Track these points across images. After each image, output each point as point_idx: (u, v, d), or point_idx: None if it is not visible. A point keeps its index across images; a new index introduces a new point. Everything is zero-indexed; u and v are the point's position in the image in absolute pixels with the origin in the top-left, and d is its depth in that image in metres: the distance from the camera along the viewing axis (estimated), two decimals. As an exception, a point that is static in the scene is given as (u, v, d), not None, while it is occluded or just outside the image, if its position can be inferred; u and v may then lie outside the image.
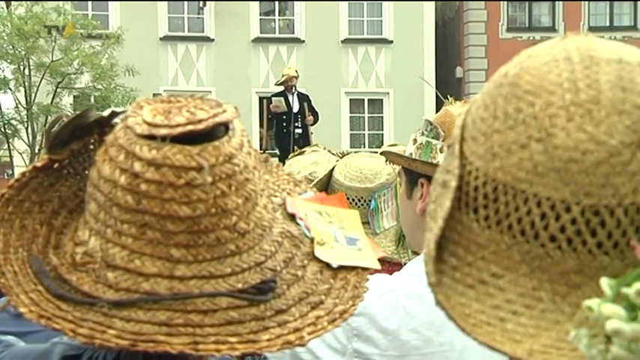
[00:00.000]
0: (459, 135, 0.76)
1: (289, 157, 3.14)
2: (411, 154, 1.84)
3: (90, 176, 0.99)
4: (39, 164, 1.02)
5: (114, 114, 1.01)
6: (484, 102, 0.76)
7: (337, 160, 2.94)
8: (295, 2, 21.83)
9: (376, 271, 1.09)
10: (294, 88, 12.49)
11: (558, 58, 0.73)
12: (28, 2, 17.38)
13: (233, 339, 0.91)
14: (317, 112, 12.99)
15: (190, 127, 0.94)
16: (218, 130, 0.96)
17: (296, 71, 12.70)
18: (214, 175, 0.93)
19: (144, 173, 0.93)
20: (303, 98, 12.67)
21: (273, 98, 12.67)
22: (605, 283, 0.61)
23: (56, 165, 1.03)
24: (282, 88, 12.76)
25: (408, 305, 1.64)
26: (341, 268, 1.03)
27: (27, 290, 0.93)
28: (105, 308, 0.91)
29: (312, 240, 1.05)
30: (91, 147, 1.03)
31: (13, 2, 17.69)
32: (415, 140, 1.86)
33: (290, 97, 12.47)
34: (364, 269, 1.05)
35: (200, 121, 0.94)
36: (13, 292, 0.93)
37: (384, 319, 1.61)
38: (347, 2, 21.76)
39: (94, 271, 0.95)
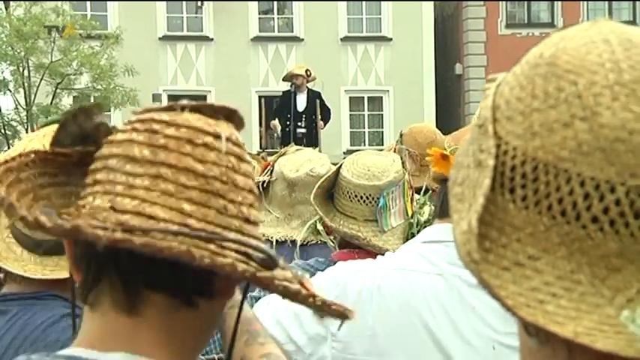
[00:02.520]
0: (490, 115, 0.75)
1: (274, 158, 3.14)
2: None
3: (97, 155, 0.99)
4: (41, 150, 1.02)
5: (115, 129, 1.01)
6: (519, 82, 0.74)
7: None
8: (294, 1, 21.84)
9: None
10: (302, 86, 12.40)
11: (595, 40, 0.72)
12: (27, 3, 17.38)
13: (248, 272, 0.92)
14: (329, 110, 12.93)
15: (209, 103, 0.98)
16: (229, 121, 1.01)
17: (307, 71, 12.56)
18: (228, 148, 0.97)
19: (163, 130, 0.95)
20: (314, 96, 12.57)
21: (272, 122, 12.69)
22: None
23: (51, 169, 1.02)
24: (288, 86, 12.73)
25: (383, 285, 1.73)
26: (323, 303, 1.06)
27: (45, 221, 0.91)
28: (118, 232, 0.89)
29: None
30: (77, 159, 1.02)
31: (12, 3, 17.68)
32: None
33: (297, 96, 12.42)
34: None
35: (213, 105, 0.99)
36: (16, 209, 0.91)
37: (358, 301, 1.70)
38: (346, 0, 21.76)
39: (103, 217, 0.93)
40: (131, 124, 0.98)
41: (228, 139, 0.97)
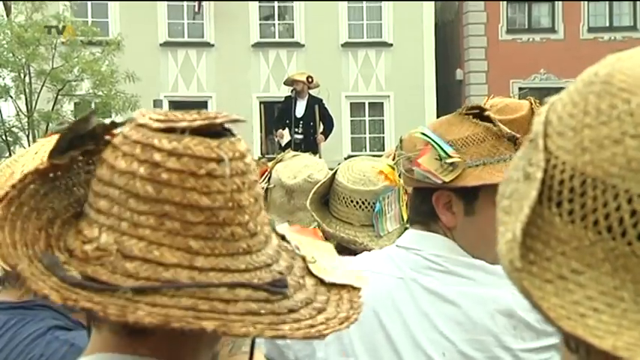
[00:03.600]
0: (542, 131, 0.75)
1: (271, 165, 3.14)
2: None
3: (97, 175, 0.98)
4: (41, 167, 1.01)
5: (113, 125, 1.01)
6: (572, 99, 0.75)
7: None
8: (295, 6, 21.87)
9: None
10: (302, 92, 12.40)
11: None
12: (28, 10, 17.40)
13: (258, 326, 0.92)
14: (331, 118, 12.91)
15: (208, 121, 0.96)
16: (228, 132, 0.98)
17: (308, 77, 12.56)
18: (231, 169, 0.95)
19: (165, 162, 0.93)
20: (313, 103, 12.56)
21: (279, 131, 12.67)
22: None
23: (51, 175, 1.02)
24: (289, 91, 12.73)
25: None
26: (333, 285, 1.05)
27: (43, 279, 0.92)
28: (128, 294, 0.90)
29: (303, 258, 1.07)
30: (80, 164, 1.03)
31: (13, 10, 17.71)
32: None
33: (297, 102, 12.42)
34: (355, 288, 1.06)
35: (215, 117, 0.97)
36: (32, 279, 0.91)
37: None
38: (346, 5, 21.79)
39: (110, 263, 0.93)
40: (131, 146, 0.96)
41: (231, 159, 0.96)
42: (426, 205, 1.82)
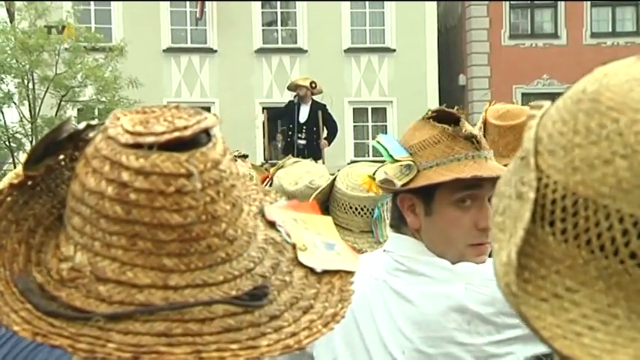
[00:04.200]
0: (532, 148, 0.76)
1: (272, 171, 3.15)
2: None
3: (71, 190, 0.97)
4: (15, 181, 0.99)
5: (89, 127, 0.99)
6: (561, 116, 0.75)
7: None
8: (297, 12, 21.89)
9: None
10: (305, 98, 12.41)
11: (638, 77, 0.73)
12: (32, 16, 17.44)
13: (234, 346, 0.90)
14: (335, 123, 12.91)
15: (177, 134, 0.92)
16: (201, 137, 0.95)
17: (312, 83, 12.57)
18: (203, 181, 0.92)
19: (132, 182, 0.91)
20: (317, 108, 12.57)
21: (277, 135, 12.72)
22: None
23: (30, 182, 1.00)
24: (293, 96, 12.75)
25: None
26: (325, 272, 1.03)
27: (16, 309, 0.91)
28: (100, 322, 0.90)
29: (293, 246, 1.04)
30: (63, 163, 1.01)
31: (16, 16, 17.75)
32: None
33: (301, 107, 12.43)
34: (347, 273, 1.04)
35: (185, 127, 0.93)
36: (2, 311, 0.91)
37: None
38: (349, 11, 21.81)
39: (84, 286, 0.92)
40: (100, 161, 0.94)
41: (203, 171, 0.93)
42: (396, 209, 1.92)
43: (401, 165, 1.84)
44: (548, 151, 0.74)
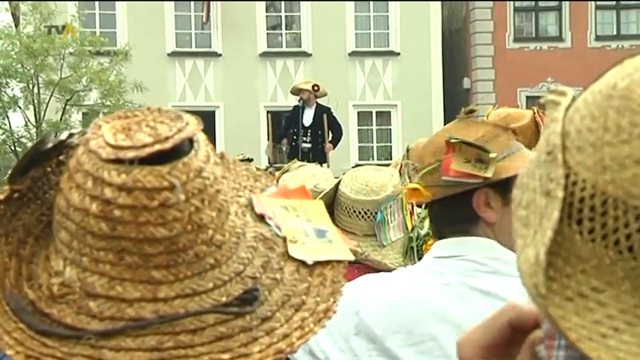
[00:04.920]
0: (560, 143, 0.74)
1: (277, 175, 3.16)
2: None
3: (57, 204, 0.97)
4: (1, 197, 0.99)
5: (71, 135, 0.99)
6: (590, 112, 0.73)
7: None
8: (302, 15, 21.91)
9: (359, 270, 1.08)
10: (310, 101, 12.42)
11: None
12: (37, 21, 17.48)
13: (226, 355, 0.90)
14: (340, 127, 12.92)
15: (158, 147, 0.91)
16: (184, 145, 0.94)
17: (314, 86, 12.58)
18: (187, 192, 0.92)
19: (116, 199, 0.90)
20: (321, 112, 12.58)
21: (283, 140, 12.74)
22: None
23: (16, 195, 1.00)
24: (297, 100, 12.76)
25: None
26: (316, 263, 1.02)
27: (9, 330, 0.91)
28: (92, 340, 0.90)
29: (284, 239, 1.03)
30: (49, 170, 1.01)
31: (21, 21, 17.79)
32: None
33: (305, 111, 12.44)
34: (339, 262, 1.04)
35: (166, 138, 0.92)
36: None
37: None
38: (353, 15, 21.82)
39: (75, 302, 0.93)
40: (83, 176, 0.93)
41: (186, 182, 0.92)
42: (464, 211, 1.86)
43: (472, 161, 1.81)
44: (576, 148, 0.73)
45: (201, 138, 0.96)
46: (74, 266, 0.93)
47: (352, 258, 1.06)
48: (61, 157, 0.99)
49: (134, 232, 0.91)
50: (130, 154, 0.90)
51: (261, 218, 1.05)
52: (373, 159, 20.71)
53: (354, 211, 2.46)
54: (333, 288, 1.01)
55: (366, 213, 2.46)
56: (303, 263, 1.02)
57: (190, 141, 0.95)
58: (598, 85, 0.75)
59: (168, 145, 0.91)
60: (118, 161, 0.91)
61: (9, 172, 1.05)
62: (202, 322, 0.92)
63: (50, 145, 0.99)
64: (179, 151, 0.93)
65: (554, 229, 0.70)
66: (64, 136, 0.99)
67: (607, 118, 0.71)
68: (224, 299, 0.94)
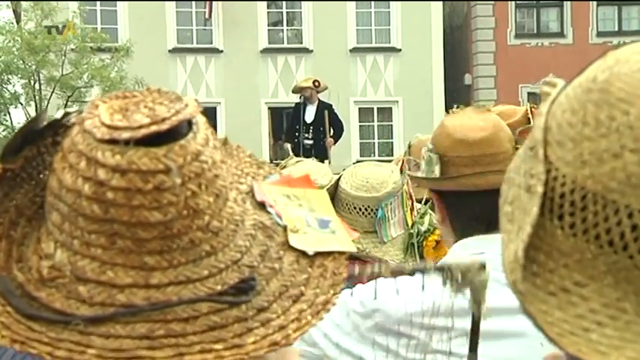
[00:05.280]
0: (541, 138, 0.74)
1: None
2: (423, 170, 1.88)
3: (49, 185, 0.93)
4: None
5: (67, 115, 0.96)
6: (571, 106, 0.73)
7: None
8: (303, 12, 21.89)
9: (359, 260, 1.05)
10: (312, 98, 12.44)
11: None
12: (38, 17, 17.48)
13: (218, 346, 0.87)
14: (341, 123, 12.92)
15: (154, 128, 0.87)
16: (182, 127, 0.90)
17: (314, 82, 12.59)
18: (183, 175, 0.88)
19: (109, 180, 0.87)
20: (323, 108, 12.60)
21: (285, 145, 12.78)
22: None
23: (9, 174, 0.96)
24: (297, 97, 12.79)
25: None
26: (317, 254, 0.99)
27: None
28: (81, 326, 0.87)
29: (284, 228, 1.00)
30: (44, 150, 0.97)
31: (23, 17, 17.79)
32: (423, 156, 1.90)
33: (307, 107, 12.47)
34: (341, 253, 1.00)
35: (163, 119, 0.88)
36: None
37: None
38: (355, 11, 21.80)
39: (65, 286, 0.89)
40: (76, 156, 0.89)
41: (182, 165, 0.88)
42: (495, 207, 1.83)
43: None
44: (557, 142, 0.73)
45: (200, 120, 0.92)
46: (65, 249, 0.90)
47: (355, 250, 1.03)
48: (56, 138, 0.95)
49: (127, 215, 0.87)
50: (125, 135, 0.87)
51: (261, 206, 1.02)
52: (374, 155, 20.70)
53: (355, 208, 2.46)
54: (333, 280, 0.98)
55: (366, 209, 2.45)
56: (303, 254, 0.98)
57: (189, 123, 0.91)
58: (579, 79, 0.75)
59: (164, 126, 0.88)
60: (113, 142, 0.87)
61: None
62: (195, 311, 0.89)
63: (44, 123, 0.95)
64: (176, 133, 0.89)
65: (532, 226, 0.71)
66: (59, 114, 0.96)
67: (586, 112, 0.71)
68: (219, 288, 0.91)
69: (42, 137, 0.96)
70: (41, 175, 0.96)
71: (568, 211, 0.71)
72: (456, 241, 1.84)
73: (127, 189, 0.86)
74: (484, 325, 1.70)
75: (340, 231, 1.03)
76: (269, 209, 1.01)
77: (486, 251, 1.75)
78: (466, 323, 1.70)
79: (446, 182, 1.85)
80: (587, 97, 0.72)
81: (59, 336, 0.87)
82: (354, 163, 3.25)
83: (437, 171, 1.84)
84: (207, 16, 21.41)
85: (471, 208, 1.83)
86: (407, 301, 1.65)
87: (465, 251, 1.80)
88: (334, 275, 0.98)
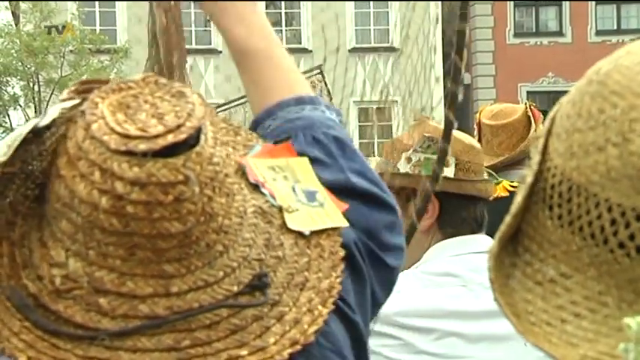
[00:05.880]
0: (546, 129, 0.75)
1: None
2: (407, 172, 1.87)
3: (55, 191, 0.90)
4: None
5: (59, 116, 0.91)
6: (573, 98, 0.73)
7: None
8: (302, 12, 21.91)
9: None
10: None
11: None
12: (37, 19, 17.49)
13: (244, 351, 0.88)
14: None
15: (171, 138, 0.85)
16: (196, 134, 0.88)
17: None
18: (200, 183, 0.87)
19: (128, 194, 0.84)
20: None
21: None
22: None
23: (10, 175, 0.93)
24: None
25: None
26: (312, 233, 0.98)
27: (15, 331, 0.86)
28: (106, 341, 0.85)
29: (280, 209, 0.99)
30: (29, 135, 0.91)
31: (21, 19, 17.80)
32: (409, 159, 1.89)
33: None
34: (334, 229, 1.00)
35: (178, 127, 0.86)
36: (2, 336, 0.85)
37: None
38: (353, 11, 21.82)
39: (82, 298, 0.87)
40: (88, 165, 0.86)
41: (200, 173, 0.87)
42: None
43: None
44: (556, 134, 0.73)
45: (200, 113, 0.89)
46: (79, 259, 0.88)
47: (346, 224, 1.02)
48: (40, 124, 0.91)
49: (148, 228, 0.86)
50: (142, 146, 0.84)
51: (254, 186, 1.00)
52: (374, 155, 20.71)
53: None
54: (332, 260, 0.98)
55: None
56: (299, 234, 0.98)
57: (199, 132, 0.89)
58: (589, 70, 0.75)
59: (182, 135, 0.86)
60: (129, 153, 0.84)
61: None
62: (216, 316, 0.89)
63: (41, 126, 0.90)
64: (191, 138, 0.87)
65: (514, 215, 0.72)
66: (46, 121, 0.90)
67: (582, 105, 0.71)
68: (235, 288, 0.91)
69: (36, 141, 0.92)
70: (30, 167, 0.92)
71: (556, 202, 0.71)
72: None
73: (147, 202, 0.85)
74: (470, 329, 1.71)
75: (328, 203, 1.03)
76: (263, 190, 1.00)
77: (463, 252, 1.77)
78: (449, 325, 1.71)
79: (464, 185, 1.84)
80: (586, 88, 0.72)
81: (87, 354, 0.85)
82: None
83: (450, 172, 1.85)
84: (208, 17, 21.39)
85: (468, 213, 1.86)
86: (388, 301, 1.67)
87: (443, 252, 1.81)
88: (332, 254, 0.98)
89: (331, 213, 1.02)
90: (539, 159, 0.73)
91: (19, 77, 17.56)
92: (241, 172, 1.01)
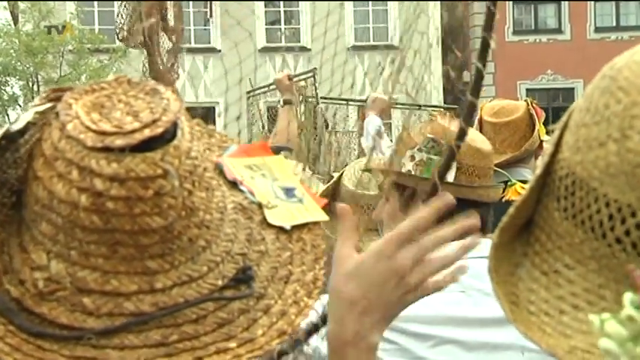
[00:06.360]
0: (563, 122, 0.75)
1: None
2: (409, 170, 1.85)
3: (34, 193, 0.88)
4: None
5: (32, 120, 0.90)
6: (588, 92, 0.74)
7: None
8: (301, 10, 21.90)
9: None
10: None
11: None
12: (36, 18, 17.48)
13: (232, 344, 0.88)
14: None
15: (148, 133, 0.84)
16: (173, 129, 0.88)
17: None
18: (180, 177, 0.86)
19: (108, 190, 0.83)
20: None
21: None
22: (627, 298, 0.59)
23: None
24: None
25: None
26: (293, 227, 0.99)
27: (0, 335, 0.85)
28: (93, 340, 0.85)
29: (259, 205, 0.99)
30: (3, 142, 0.91)
31: (20, 19, 17.80)
32: (413, 157, 1.87)
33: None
34: (315, 224, 1.01)
35: (154, 121, 0.85)
36: None
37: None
38: (352, 9, 21.81)
39: (66, 299, 0.86)
40: (65, 165, 0.85)
41: (179, 166, 0.86)
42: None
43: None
44: (569, 127, 0.74)
45: (175, 108, 0.89)
46: (61, 260, 0.87)
47: (326, 218, 1.02)
48: (12, 127, 0.90)
49: (129, 224, 0.85)
50: (119, 142, 0.84)
51: (232, 184, 1.00)
52: (374, 153, 20.72)
53: (356, 205, 2.46)
54: (315, 254, 0.98)
55: (369, 208, 2.45)
56: (280, 229, 0.99)
57: (176, 126, 0.88)
58: (607, 64, 0.75)
59: (159, 129, 0.85)
60: (106, 149, 0.84)
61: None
62: (203, 310, 0.89)
63: (16, 130, 0.90)
64: (168, 133, 0.87)
65: (517, 208, 0.73)
66: (19, 125, 0.89)
67: (592, 99, 0.72)
68: (220, 282, 0.91)
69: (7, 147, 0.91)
70: (6, 175, 0.91)
71: (563, 195, 0.72)
72: None
73: (127, 198, 0.84)
74: (467, 336, 1.70)
75: (307, 198, 1.03)
76: (241, 187, 1.01)
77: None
78: (447, 332, 1.70)
79: (463, 190, 1.84)
80: (598, 83, 0.72)
81: (74, 353, 0.85)
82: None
83: (450, 176, 1.84)
84: (209, 15, 21.42)
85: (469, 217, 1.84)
86: None
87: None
88: (314, 248, 0.99)
89: (311, 208, 1.02)
90: (551, 150, 0.74)
91: (18, 77, 17.55)
92: (219, 170, 1.01)
